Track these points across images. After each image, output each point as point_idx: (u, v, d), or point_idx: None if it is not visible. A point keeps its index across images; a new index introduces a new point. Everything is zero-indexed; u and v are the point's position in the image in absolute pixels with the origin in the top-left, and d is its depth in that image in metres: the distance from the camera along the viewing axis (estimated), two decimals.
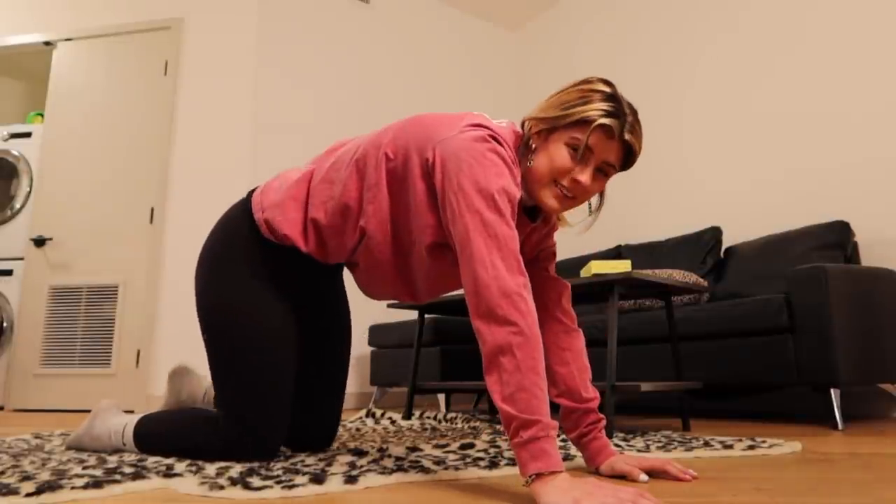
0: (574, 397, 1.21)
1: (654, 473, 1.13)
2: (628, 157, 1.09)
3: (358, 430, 2.11)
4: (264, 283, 1.31)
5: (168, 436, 1.35)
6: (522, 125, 1.15)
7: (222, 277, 1.32)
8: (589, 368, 1.25)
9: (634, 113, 1.08)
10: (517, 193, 1.03)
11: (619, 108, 1.05)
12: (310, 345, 1.45)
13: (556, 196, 1.08)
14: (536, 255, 1.28)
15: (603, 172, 1.09)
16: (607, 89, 1.06)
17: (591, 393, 1.22)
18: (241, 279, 1.30)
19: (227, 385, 1.28)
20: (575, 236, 4.33)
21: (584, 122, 1.03)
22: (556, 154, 1.06)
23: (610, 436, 1.80)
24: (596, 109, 1.03)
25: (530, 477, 0.91)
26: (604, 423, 1.22)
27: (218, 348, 1.30)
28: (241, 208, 1.37)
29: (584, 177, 1.06)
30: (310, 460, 1.32)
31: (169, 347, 3.48)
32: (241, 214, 1.35)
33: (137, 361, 3.49)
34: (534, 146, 1.10)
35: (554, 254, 1.29)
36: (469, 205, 0.98)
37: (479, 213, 0.97)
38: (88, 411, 3.46)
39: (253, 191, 1.39)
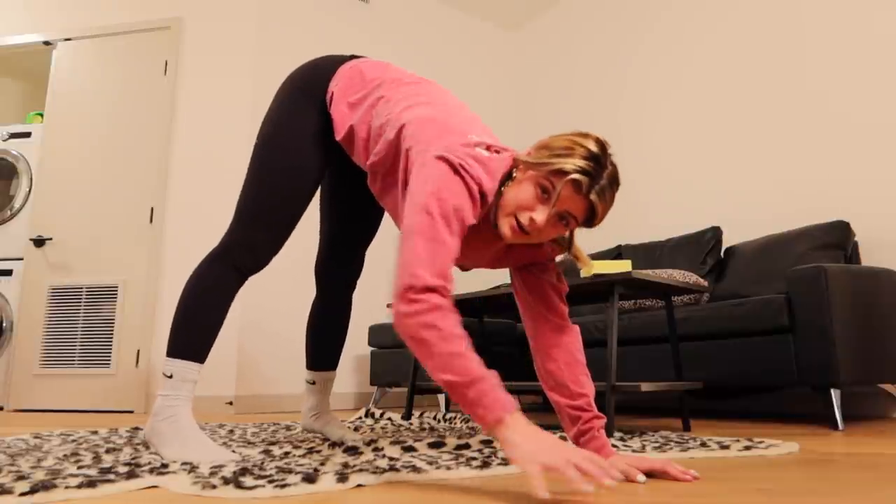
0: (564, 391, 1.23)
1: (655, 474, 1.12)
2: (591, 216, 1.13)
3: (357, 429, 2.11)
4: (318, 129, 1.52)
5: (181, 309, 1.47)
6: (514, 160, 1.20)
7: (289, 111, 1.54)
8: (581, 363, 1.25)
9: (612, 179, 1.11)
10: (470, 220, 1.11)
11: (597, 171, 1.09)
12: (342, 211, 1.76)
13: (510, 227, 1.14)
14: (528, 265, 1.32)
15: (564, 221, 1.13)
16: (594, 149, 1.09)
17: (583, 387, 1.23)
18: (303, 113, 1.53)
19: (249, 194, 1.51)
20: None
21: (561, 173, 1.08)
22: (525, 190, 1.12)
23: (609, 435, 1.79)
24: (573, 164, 1.07)
25: (494, 424, 0.96)
26: (602, 421, 1.22)
27: (257, 158, 1.53)
28: (336, 63, 1.55)
29: (540, 217, 1.10)
30: (303, 460, 1.31)
31: None
32: (329, 68, 1.54)
33: (137, 361, 3.49)
34: (515, 176, 1.17)
35: (548, 267, 1.31)
36: (427, 205, 1.07)
37: (432, 216, 1.06)
38: (88, 411, 3.46)
39: (353, 57, 1.58)
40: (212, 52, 3.88)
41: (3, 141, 4.00)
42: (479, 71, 5.05)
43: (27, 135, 4.00)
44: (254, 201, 1.51)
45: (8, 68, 4.76)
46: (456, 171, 1.10)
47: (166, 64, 3.85)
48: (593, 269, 2.03)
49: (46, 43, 3.99)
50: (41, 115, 4.30)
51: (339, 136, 1.47)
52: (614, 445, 1.56)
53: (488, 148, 1.18)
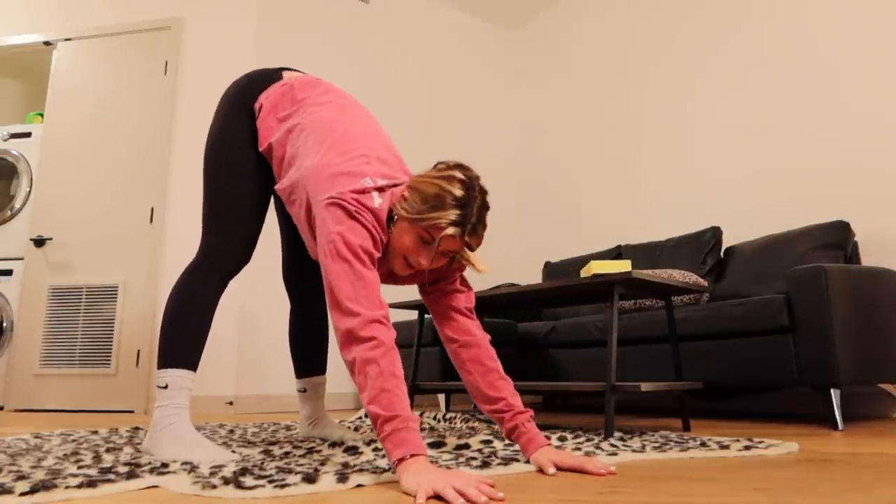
0: (486, 399, 1.34)
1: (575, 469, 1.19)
2: (469, 248, 1.30)
3: (357, 429, 2.11)
4: (249, 132, 1.61)
5: (167, 321, 1.53)
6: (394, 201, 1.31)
7: (226, 117, 1.64)
8: (494, 370, 1.35)
9: (480, 212, 1.25)
10: (376, 254, 1.25)
11: (465, 215, 1.22)
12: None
13: (400, 266, 1.31)
14: (429, 285, 1.43)
15: (447, 255, 1.30)
16: (459, 193, 1.22)
17: (499, 391, 1.33)
18: (235, 119, 1.63)
19: (205, 202, 1.63)
20: (573, 237, 4.33)
21: (436, 228, 1.22)
22: (408, 240, 1.26)
23: (609, 435, 1.79)
24: (445, 220, 1.21)
25: (396, 463, 1.02)
26: (527, 415, 1.30)
27: (204, 166, 1.64)
28: (268, 78, 1.64)
29: (425, 261, 1.27)
30: (303, 460, 1.31)
31: None
32: (262, 82, 1.64)
33: (137, 361, 3.49)
34: (396, 220, 1.29)
35: (447, 287, 1.42)
36: (340, 253, 1.19)
37: (348, 262, 1.18)
38: (88, 411, 3.46)
39: (284, 70, 1.68)
40: (212, 52, 3.88)
41: (3, 141, 4.00)
42: (479, 71, 5.05)
43: (27, 135, 3.99)
44: (210, 207, 1.62)
45: (8, 68, 4.76)
46: (352, 216, 1.22)
47: (166, 64, 3.85)
48: (593, 268, 2.03)
49: (46, 43, 3.99)
50: (41, 115, 4.30)
51: (261, 147, 1.59)
52: (613, 445, 1.56)
53: (381, 190, 1.28)
